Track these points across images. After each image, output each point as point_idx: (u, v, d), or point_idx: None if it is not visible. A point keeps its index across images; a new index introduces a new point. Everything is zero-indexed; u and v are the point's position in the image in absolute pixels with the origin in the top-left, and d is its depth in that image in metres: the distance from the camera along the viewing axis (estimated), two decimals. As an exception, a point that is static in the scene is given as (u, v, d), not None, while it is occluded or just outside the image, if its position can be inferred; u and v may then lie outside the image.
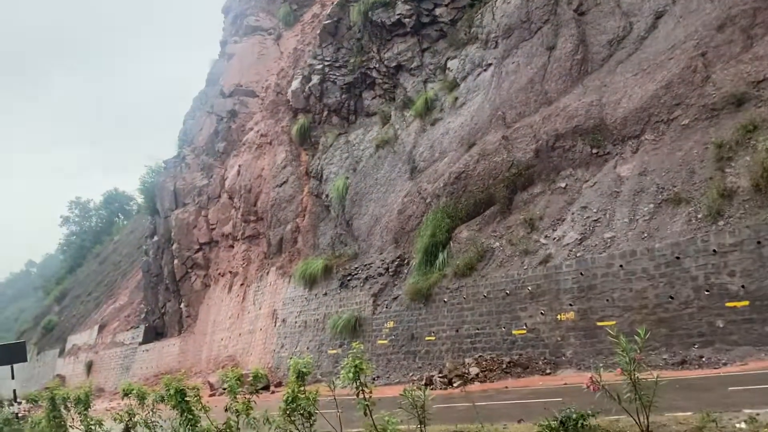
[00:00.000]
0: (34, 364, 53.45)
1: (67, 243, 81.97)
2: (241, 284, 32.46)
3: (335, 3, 30.70)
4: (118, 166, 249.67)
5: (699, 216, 14.56)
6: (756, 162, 14.07)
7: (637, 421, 6.95)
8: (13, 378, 24.68)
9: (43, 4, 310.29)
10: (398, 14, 25.99)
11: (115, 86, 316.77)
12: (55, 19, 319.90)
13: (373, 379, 18.14)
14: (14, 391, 24.02)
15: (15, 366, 25.26)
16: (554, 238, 17.48)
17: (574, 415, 7.27)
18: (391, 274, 22.41)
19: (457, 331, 18.83)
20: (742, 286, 13.33)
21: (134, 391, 13.49)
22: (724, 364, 12.66)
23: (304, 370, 9.34)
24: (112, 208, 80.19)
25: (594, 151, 18.27)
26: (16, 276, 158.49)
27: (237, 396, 10.30)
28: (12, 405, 23.37)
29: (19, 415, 22.13)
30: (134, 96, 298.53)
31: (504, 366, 16.61)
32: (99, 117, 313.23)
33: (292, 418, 9.30)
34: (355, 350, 8.85)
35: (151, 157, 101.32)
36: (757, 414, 6.97)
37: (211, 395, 22.85)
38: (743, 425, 6.72)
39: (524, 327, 17.09)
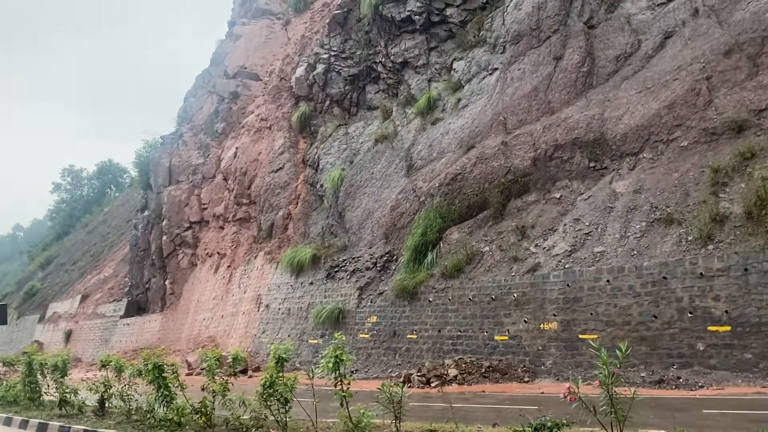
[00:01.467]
0: (13, 328, 53.24)
1: (56, 210, 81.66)
2: (228, 266, 32.42)
3: (347, -6, 30.64)
4: (114, 137, 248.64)
5: (689, 238, 14.62)
6: (750, 189, 14.14)
7: (611, 434, 6.97)
8: (-9, 340, 24.58)
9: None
10: (409, 11, 25.97)
11: (121, 56, 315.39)
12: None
13: (352, 371, 18.16)
14: (-9, 353, 23.89)
15: (-6, 328, 25.19)
16: (544, 248, 17.52)
17: (549, 424, 7.30)
18: (378, 269, 22.42)
19: (439, 331, 18.86)
20: (726, 312, 13.40)
21: (112, 363, 13.50)
22: (701, 387, 12.72)
23: (284, 356, 9.36)
24: (105, 179, 79.93)
25: (591, 164, 18.32)
26: (2, 239, 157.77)
27: (215, 377, 10.31)
28: (-12, 367, 23.28)
29: (-6, 377, 22.03)
30: (137, 68, 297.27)
31: (483, 370, 16.64)
32: (101, 84, 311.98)
33: (268, 403, 9.32)
34: (336, 341, 8.86)
35: (148, 132, 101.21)
36: (730, 438, 7.02)
37: (188, 374, 22.82)
38: (715, 448, 6.76)
39: (506, 333, 17.13)
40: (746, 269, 13.37)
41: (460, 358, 17.45)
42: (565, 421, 7.33)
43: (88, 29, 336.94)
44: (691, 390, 12.66)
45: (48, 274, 62.21)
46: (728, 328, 13.28)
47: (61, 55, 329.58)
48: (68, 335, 44.74)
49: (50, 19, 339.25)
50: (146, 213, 41.13)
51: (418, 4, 25.71)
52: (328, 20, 31.27)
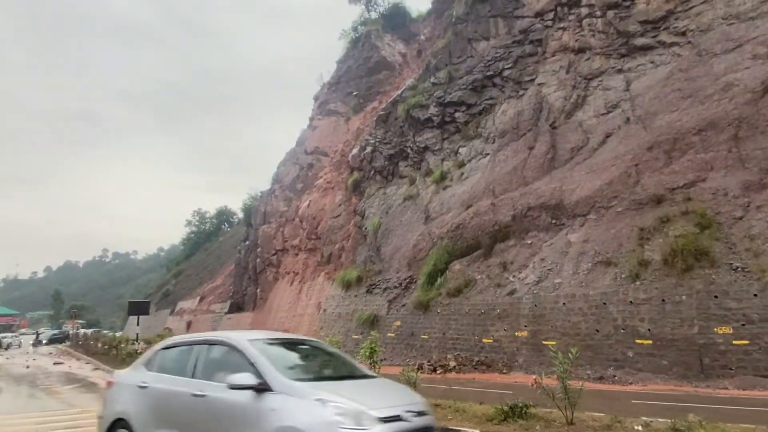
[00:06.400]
0: (152, 318, 53.75)
1: (187, 238, 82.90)
2: (300, 281, 32.54)
3: (389, 101, 31.35)
4: (228, 189, 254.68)
5: (622, 276, 14.29)
6: (666, 244, 13.84)
7: (565, 414, 6.78)
8: (138, 325, 25.00)
9: (202, 68, 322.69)
10: (429, 113, 26.40)
11: (237, 135, 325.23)
12: (202, 74, 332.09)
13: (382, 359, 17.88)
14: (137, 334, 24.26)
15: (140, 317, 25.62)
16: (519, 278, 17.27)
17: (520, 404, 7.13)
18: (402, 288, 22.29)
19: (444, 334, 18.57)
20: (649, 329, 12.98)
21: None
22: (630, 384, 12.26)
23: (335, 346, 9.33)
24: (221, 219, 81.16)
25: (553, 221, 18.14)
26: (149, 256, 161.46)
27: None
28: (134, 344, 23.63)
29: (138, 351, 22.32)
30: (248, 145, 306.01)
31: (474, 363, 16.30)
32: (222, 154, 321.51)
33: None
34: (372, 337, 8.85)
35: (251, 188, 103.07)
36: (651, 421, 6.74)
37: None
38: (640, 428, 6.49)
39: (491, 337, 16.79)
40: (663, 300, 13.00)
41: (458, 354, 17.13)
42: (532, 403, 7.15)
43: (215, 115, 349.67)
44: (623, 385, 12.22)
45: (178, 282, 63.11)
46: (650, 341, 12.85)
47: (199, 132, 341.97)
48: (189, 324, 45.10)
49: (193, 107, 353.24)
50: (247, 242, 41.76)
51: (436, 109, 26.14)
52: (375, 118, 31.93)
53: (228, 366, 4.96)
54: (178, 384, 5.27)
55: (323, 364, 5.68)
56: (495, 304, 17.21)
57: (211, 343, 5.43)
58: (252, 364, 4.73)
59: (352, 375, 5.37)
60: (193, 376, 5.21)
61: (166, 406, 5.29)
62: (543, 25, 22.41)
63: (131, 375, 6.06)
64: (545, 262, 16.99)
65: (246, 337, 5.30)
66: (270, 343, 5.34)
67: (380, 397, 4.69)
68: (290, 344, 5.89)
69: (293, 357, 5.50)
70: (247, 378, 4.56)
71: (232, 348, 5.11)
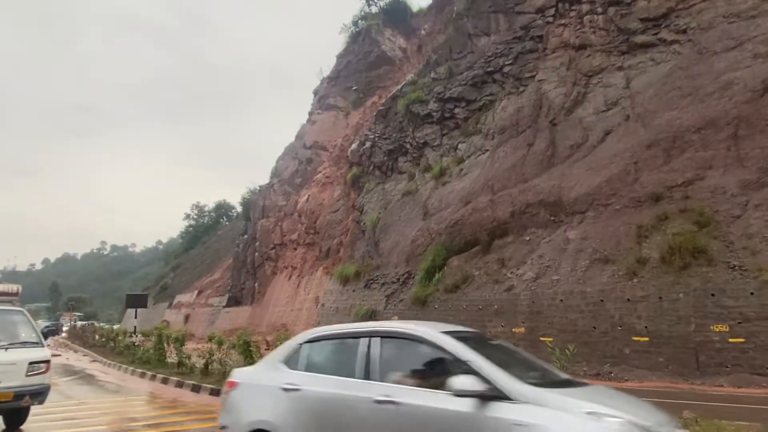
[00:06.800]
0: (149, 311, 53.62)
1: (185, 232, 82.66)
2: (298, 276, 32.55)
3: (388, 96, 31.24)
4: (227, 183, 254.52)
5: (620, 273, 14.31)
6: (664, 241, 13.85)
7: (560, 410, 6.76)
8: (135, 318, 25.00)
9: (211, 72, 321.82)
10: (429, 109, 26.32)
11: (234, 131, 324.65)
12: (211, 75, 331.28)
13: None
14: (135, 327, 24.27)
15: (138, 310, 25.61)
16: (517, 274, 17.28)
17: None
18: (400, 283, 22.28)
19: (441, 329, 18.57)
20: (645, 327, 13.01)
21: (215, 338, 13.61)
22: (626, 380, 12.30)
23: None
24: (219, 212, 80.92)
25: (552, 218, 18.13)
26: (148, 249, 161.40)
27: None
28: (132, 336, 23.63)
29: (136, 343, 22.35)
30: (247, 140, 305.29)
31: (470, 358, 16.29)
32: (220, 149, 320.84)
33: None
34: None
35: (250, 182, 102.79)
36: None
37: (266, 349, 22.71)
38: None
39: (489, 333, 16.81)
40: (660, 297, 13.02)
41: (455, 349, 17.13)
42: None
43: (215, 108, 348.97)
44: (620, 382, 12.25)
45: (176, 275, 63.08)
46: (647, 338, 12.89)
47: (199, 125, 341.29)
48: (187, 317, 45.15)
49: (193, 100, 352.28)
50: (245, 236, 41.75)
51: (435, 105, 26.06)
52: (374, 113, 31.84)
53: (413, 365, 4.20)
54: (347, 387, 4.29)
55: (529, 367, 4.49)
56: (493, 300, 17.21)
57: (384, 335, 4.40)
58: (465, 364, 3.82)
59: (568, 381, 4.28)
60: (366, 377, 4.26)
61: (333, 415, 4.30)
62: (544, 21, 22.32)
63: (266, 374, 5.01)
64: (543, 258, 16.99)
65: (439, 330, 4.33)
66: (465, 338, 4.29)
67: (642, 410, 3.76)
68: (481, 340, 4.81)
69: (498, 357, 4.31)
70: (473, 383, 3.66)
71: (426, 343, 4.13)
